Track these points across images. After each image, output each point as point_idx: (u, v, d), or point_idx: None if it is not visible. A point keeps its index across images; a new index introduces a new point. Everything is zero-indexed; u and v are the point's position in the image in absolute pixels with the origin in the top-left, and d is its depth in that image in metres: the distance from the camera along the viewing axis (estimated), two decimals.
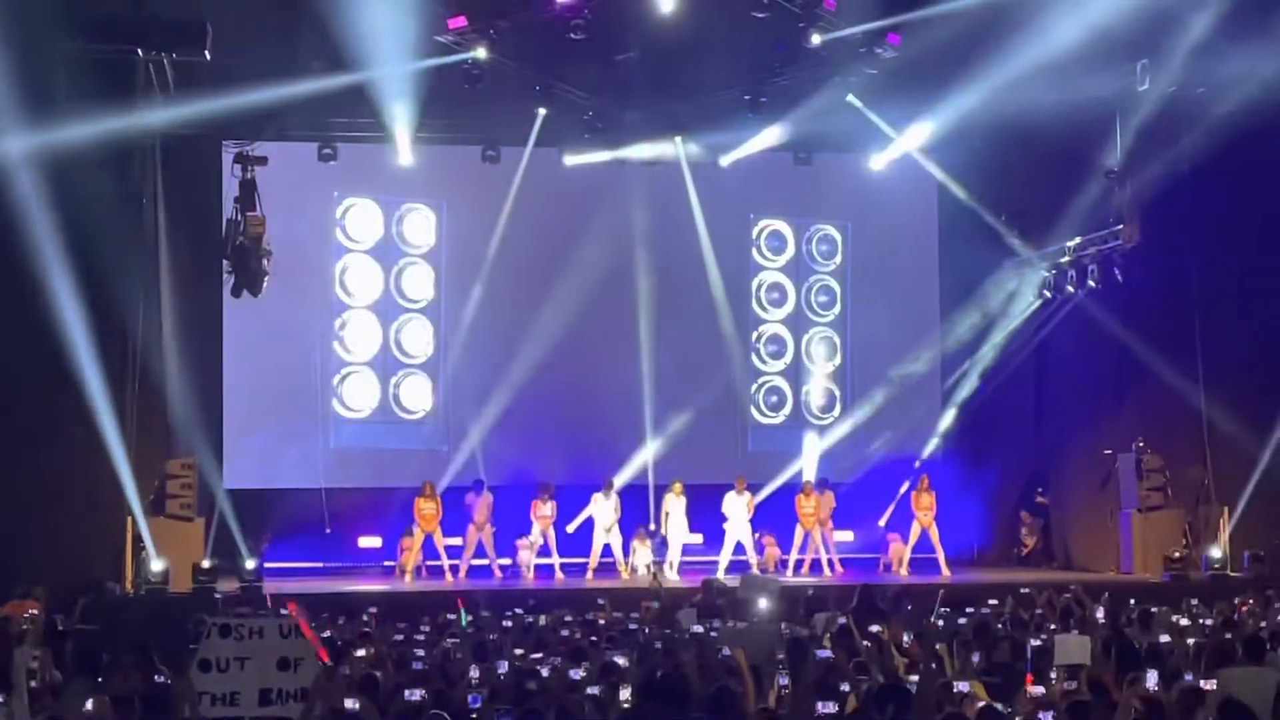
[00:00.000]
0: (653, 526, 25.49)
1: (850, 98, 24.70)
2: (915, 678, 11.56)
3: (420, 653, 13.75)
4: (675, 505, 24.82)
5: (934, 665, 11.62)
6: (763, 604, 17.72)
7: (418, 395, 27.12)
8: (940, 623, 16.00)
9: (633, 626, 16.40)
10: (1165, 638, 14.21)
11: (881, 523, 26.41)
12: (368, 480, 26.62)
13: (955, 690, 10.46)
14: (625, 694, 10.66)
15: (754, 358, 28.37)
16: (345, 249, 26.84)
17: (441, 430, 27.10)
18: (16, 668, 11.16)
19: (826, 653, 12.81)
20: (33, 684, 11.42)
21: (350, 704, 9.93)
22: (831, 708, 9.57)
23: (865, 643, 13.63)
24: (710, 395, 27.58)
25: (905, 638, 14.22)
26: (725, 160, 27.03)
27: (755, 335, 28.41)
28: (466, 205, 27.24)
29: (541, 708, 9.59)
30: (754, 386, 28.34)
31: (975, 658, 12.84)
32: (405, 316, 27.12)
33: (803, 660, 12.18)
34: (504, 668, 12.31)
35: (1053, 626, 15.43)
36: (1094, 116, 24.71)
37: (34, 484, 19.45)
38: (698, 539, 25.30)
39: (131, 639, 12.96)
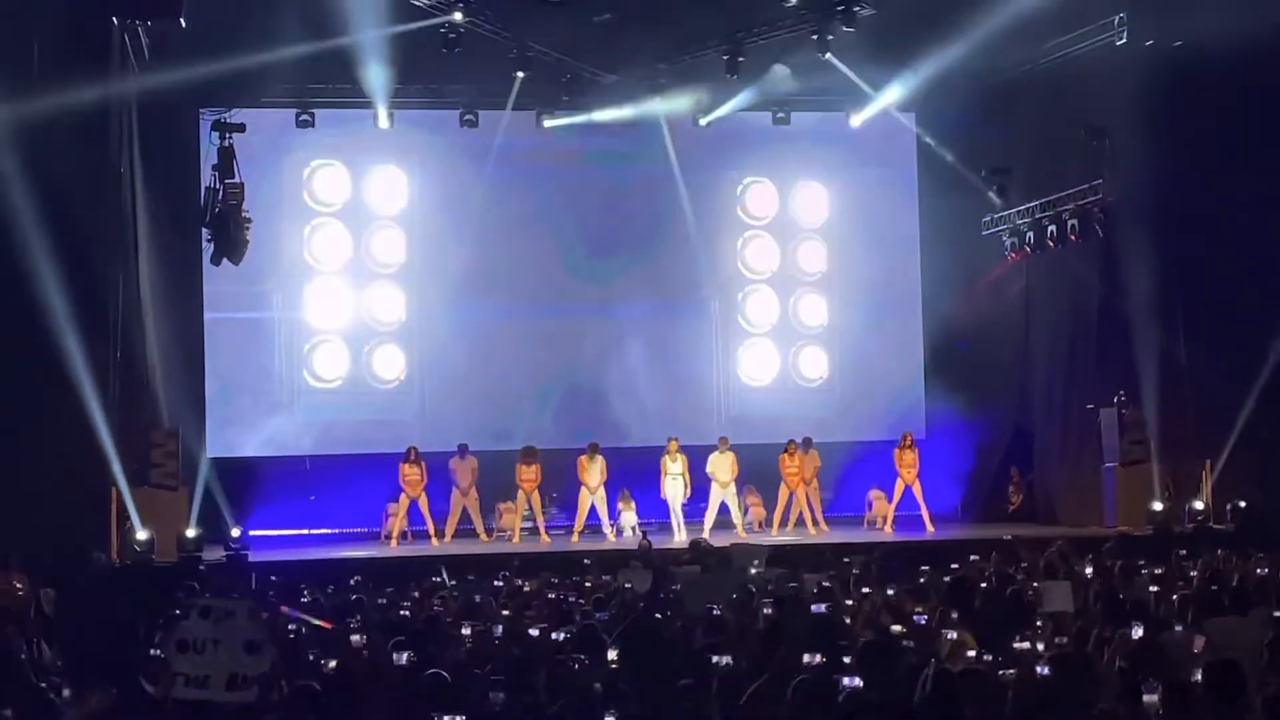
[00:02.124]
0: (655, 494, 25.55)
1: (828, 56, 24.56)
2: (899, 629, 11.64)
3: (407, 615, 13.81)
4: (673, 466, 24.75)
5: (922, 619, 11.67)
6: (753, 570, 17.77)
7: (392, 363, 27.18)
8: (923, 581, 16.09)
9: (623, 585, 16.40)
10: (1154, 588, 14.26)
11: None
12: (351, 447, 26.60)
13: (945, 640, 10.51)
14: (612, 655, 10.67)
15: (739, 318, 28.32)
16: (315, 213, 26.86)
17: (421, 396, 27.08)
18: (8, 650, 11.09)
19: (820, 608, 12.88)
20: (22, 656, 11.38)
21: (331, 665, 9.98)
22: (818, 659, 9.60)
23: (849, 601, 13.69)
24: (695, 357, 27.71)
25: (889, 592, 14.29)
26: (705, 121, 27.07)
27: (740, 295, 28.36)
28: (445, 169, 27.21)
29: (531, 673, 9.60)
30: (739, 347, 28.31)
31: (959, 612, 12.85)
32: (378, 283, 27.21)
33: (792, 616, 12.21)
34: (498, 632, 12.32)
35: (1035, 585, 15.49)
36: (1072, 71, 24.73)
37: (16, 456, 19.35)
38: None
39: (119, 612, 12.97)
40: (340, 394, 26.90)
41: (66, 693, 8.97)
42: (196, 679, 8.97)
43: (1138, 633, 10.79)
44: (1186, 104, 22.70)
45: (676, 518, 24.52)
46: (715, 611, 12.89)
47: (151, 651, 11.12)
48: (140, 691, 9.40)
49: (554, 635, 11.73)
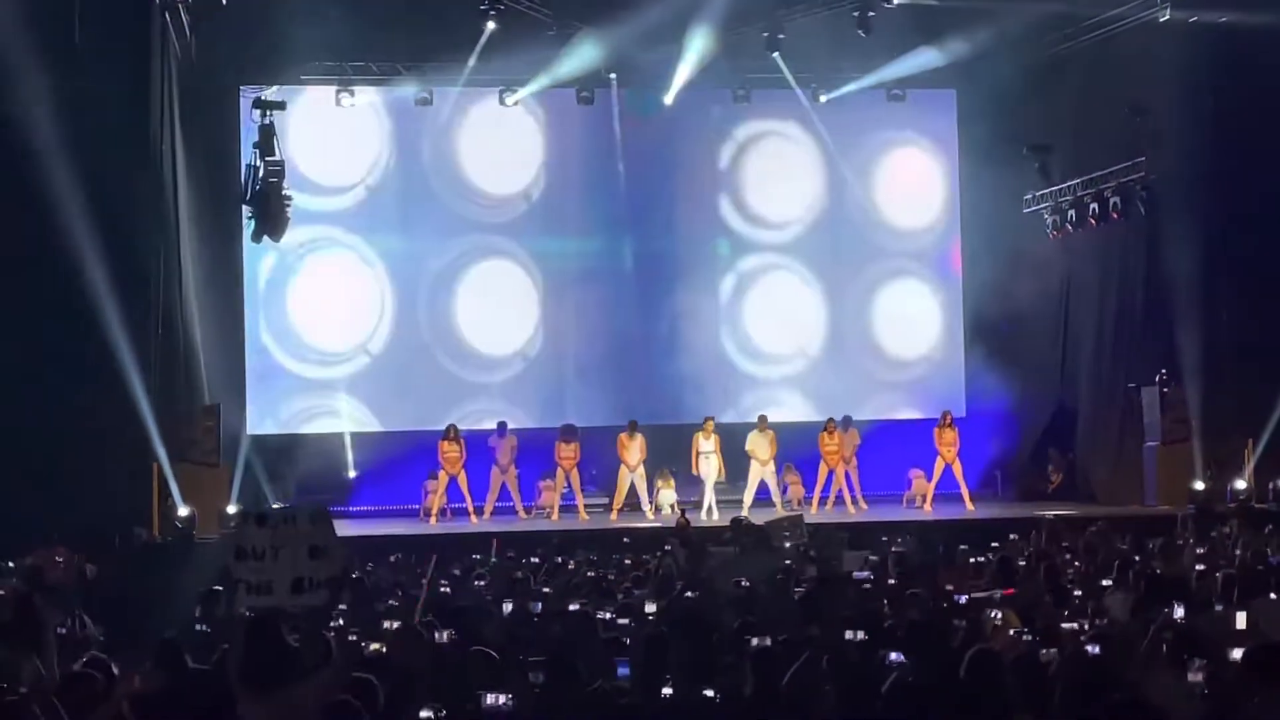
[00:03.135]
0: (675, 469, 25.59)
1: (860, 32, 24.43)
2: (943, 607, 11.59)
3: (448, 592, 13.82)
4: (706, 444, 24.74)
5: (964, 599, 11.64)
6: (790, 544, 17.75)
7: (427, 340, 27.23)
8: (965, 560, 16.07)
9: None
10: (1198, 567, 14.17)
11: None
12: (390, 424, 26.65)
13: (989, 619, 10.48)
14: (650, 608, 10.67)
15: (778, 295, 28.21)
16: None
17: (462, 374, 27.11)
18: (46, 624, 11.12)
19: (863, 583, 12.87)
20: (61, 631, 11.40)
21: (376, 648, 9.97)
22: (860, 636, 9.59)
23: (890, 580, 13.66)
24: (731, 333, 27.74)
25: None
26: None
27: (779, 272, 28.24)
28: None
29: (569, 652, 9.57)
30: (776, 324, 28.19)
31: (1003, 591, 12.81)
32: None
33: (833, 594, 12.19)
34: (537, 609, 12.31)
35: (1076, 563, 15.43)
36: (1115, 47, 24.58)
37: (59, 432, 19.47)
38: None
39: (162, 587, 13.02)
40: (377, 371, 26.90)
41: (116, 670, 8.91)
42: (259, 585, 8.89)
43: (1179, 612, 10.73)
44: (1229, 80, 22.54)
45: (709, 496, 24.51)
46: (750, 587, 12.89)
47: (196, 626, 11.17)
48: (183, 666, 9.39)
49: (598, 614, 11.70)
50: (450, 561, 17.11)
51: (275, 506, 9.70)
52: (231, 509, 22.16)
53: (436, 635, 10.42)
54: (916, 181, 28.45)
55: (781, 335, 28.21)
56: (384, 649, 9.87)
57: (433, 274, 27.13)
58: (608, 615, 11.59)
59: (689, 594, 12.99)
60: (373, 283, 26.95)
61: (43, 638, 10.53)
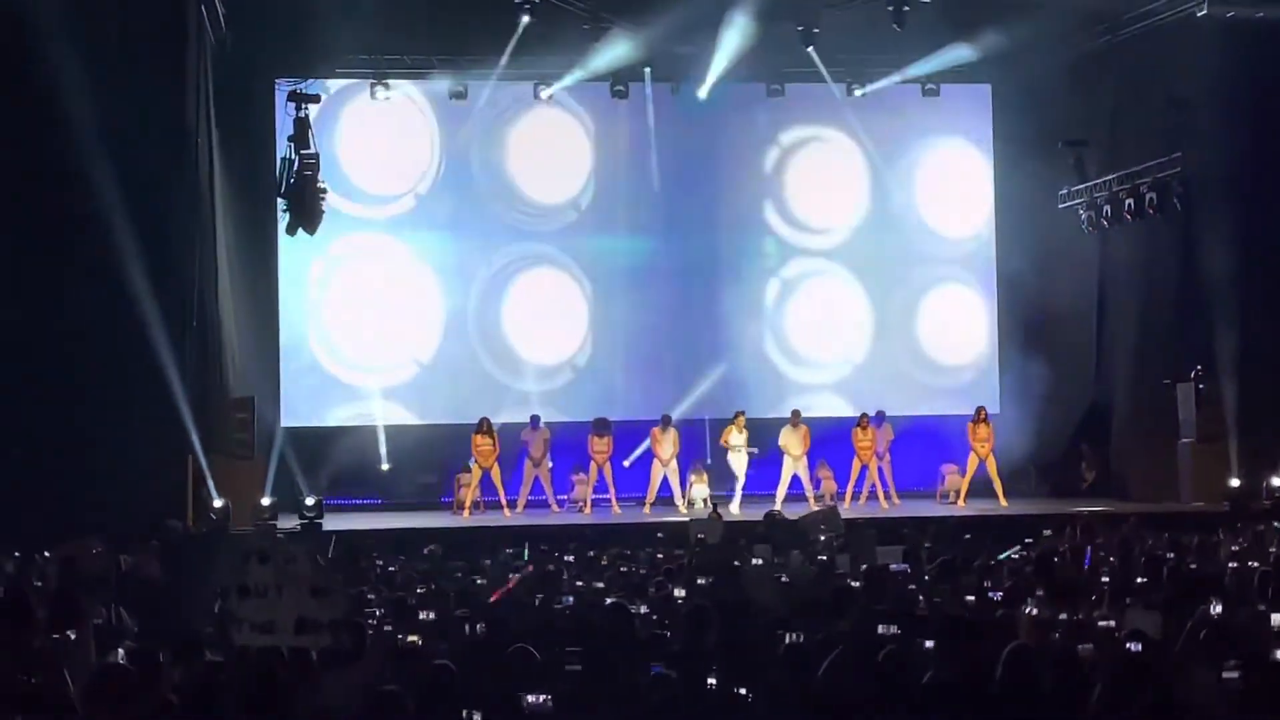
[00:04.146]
0: (709, 461, 25.63)
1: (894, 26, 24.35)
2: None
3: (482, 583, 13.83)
4: (737, 439, 24.74)
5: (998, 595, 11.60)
6: (823, 538, 17.74)
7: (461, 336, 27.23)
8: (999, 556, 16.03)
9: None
10: (1233, 564, 14.11)
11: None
12: (421, 416, 26.69)
13: (1024, 615, 10.45)
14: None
15: (812, 291, 28.16)
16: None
17: (496, 367, 27.11)
18: (84, 615, 11.14)
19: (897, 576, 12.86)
20: (97, 622, 11.43)
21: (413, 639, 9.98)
22: (894, 630, 9.57)
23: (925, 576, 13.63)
24: (766, 330, 27.69)
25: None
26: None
27: (813, 268, 28.21)
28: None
29: (606, 648, 9.56)
30: (811, 320, 28.13)
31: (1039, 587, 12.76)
32: None
33: (867, 589, 12.16)
34: (569, 602, 12.31)
35: (1111, 559, 15.37)
36: (1152, 42, 24.47)
37: (94, 424, 19.55)
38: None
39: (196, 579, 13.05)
40: (410, 365, 26.94)
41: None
42: (262, 624, 8.91)
43: (1216, 609, 10.68)
44: (1267, 77, 22.42)
45: (738, 491, 24.53)
46: (787, 581, 12.89)
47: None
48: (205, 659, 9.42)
49: (631, 608, 11.69)
50: (482, 556, 17.16)
51: (274, 545, 9.62)
52: (265, 501, 22.25)
53: (468, 630, 10.43)
54: (956, 181, 28.35)
55: (825, 340, 28.14)
56: (419, 641, 9.90)
57: (482, 282, 27.13)
58: (642, 609, 11.58)
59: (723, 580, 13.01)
60: (422, 290, 26.95)
61: (81, 629, 10.56)
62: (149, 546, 16.77)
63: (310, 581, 9.06)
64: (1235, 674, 8.28)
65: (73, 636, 10.15)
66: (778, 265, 28.00)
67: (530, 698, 7.92)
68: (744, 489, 24.65)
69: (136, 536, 17.55)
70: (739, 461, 24.63)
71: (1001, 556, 15.59)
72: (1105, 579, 13.02)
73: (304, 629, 8.88)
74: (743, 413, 25.06)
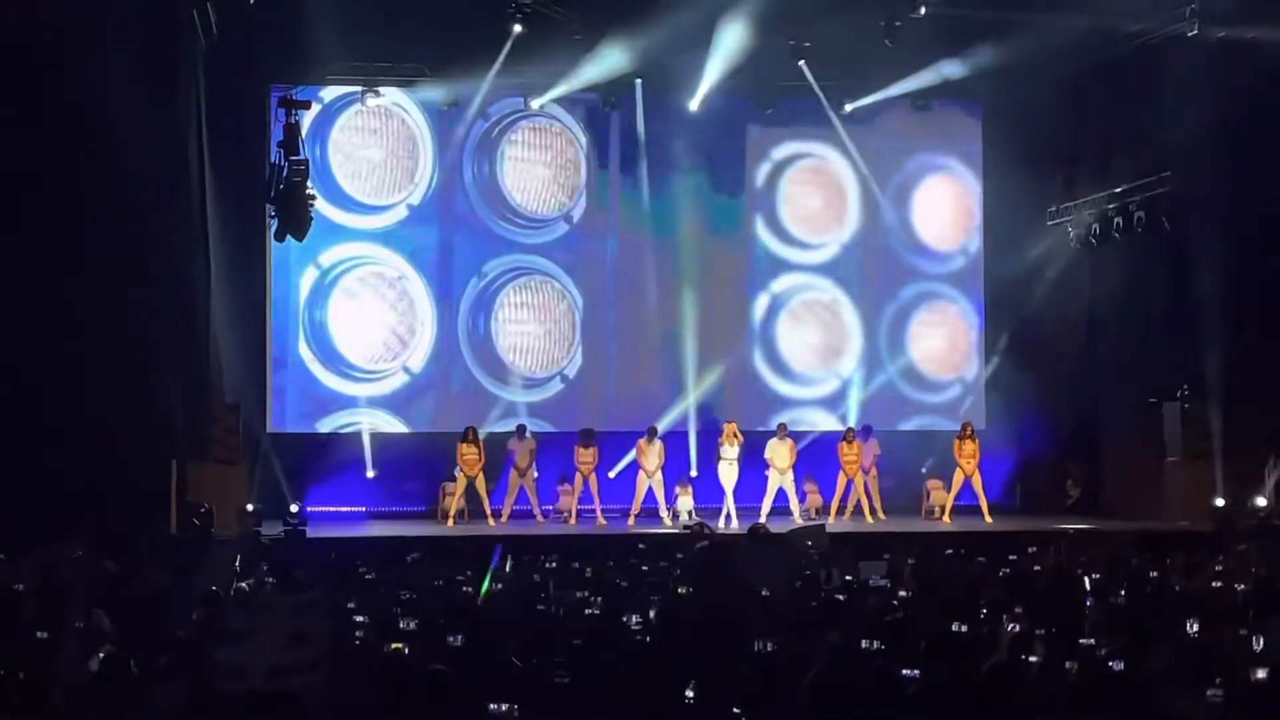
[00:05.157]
0: (694, 473, 25.64)
1: (886, 42, 24.40)
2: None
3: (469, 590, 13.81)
4: (728, 451, 24.74)
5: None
6: (812, 553, 17.70)
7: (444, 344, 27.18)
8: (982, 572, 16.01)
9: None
10: (1216, 584, 14.12)
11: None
12: (409, 425, 26.66)
13: (1006, 632, 10.45)
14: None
15: (798, 305, 28.15)
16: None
17: (486, 377, 27.09)
18: (66, 620, 11.11)
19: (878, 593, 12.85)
20: (79, 625, 11.40)
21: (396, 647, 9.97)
22: (876, 645, 9.58)
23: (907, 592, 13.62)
24: (753, 343, 27.69)
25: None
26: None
27: (799, 282, 28.21)
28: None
29: (593, 659, 9.55)
30: (797, 333, 28.13)
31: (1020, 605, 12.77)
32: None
33: (850, 603, 12.17)
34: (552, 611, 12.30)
35: (1095, 576, 15.36)
36: (1142, 62, 24.51)
37: (79, 428, 19.49)
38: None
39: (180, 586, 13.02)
40: (399, 374, 26.91)
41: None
42: (234, 669, 8.87)
43: (1195, 628, 10.71)
44: (1256, 97, 22.44)
45: (728, 504, 24.50)
46: (769, 595, 12.87)
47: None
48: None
49: (622, 619, 11.68)
50: (463, 566, 17.11)
51: (255, 593, 9.59)
52: (250, 507, 22.21)
53: (449, 640, 10.40)
54: (945, 197, 28.39)
55: (813, 355, 28.14)
56: (405, 649, 9.89)
57: (473, 291, 27.05)
58: (631, 620, 11.57)
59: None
60: (412, 299, 26.87)
61: (63, 634, 10.55)
62: (132, 551, 16.73)
63: (289, 627, 9.02)
64: (1219, 694, 8.30)
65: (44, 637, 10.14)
66: (768, 279, 27.95)
67: (493, 706, 7.91)
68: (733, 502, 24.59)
69: (120, 541, 17.51)
70: (727, 474, 24.59)
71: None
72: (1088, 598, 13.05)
73: (277, 676, 8.83)
74: (733, 424, 25.02)
